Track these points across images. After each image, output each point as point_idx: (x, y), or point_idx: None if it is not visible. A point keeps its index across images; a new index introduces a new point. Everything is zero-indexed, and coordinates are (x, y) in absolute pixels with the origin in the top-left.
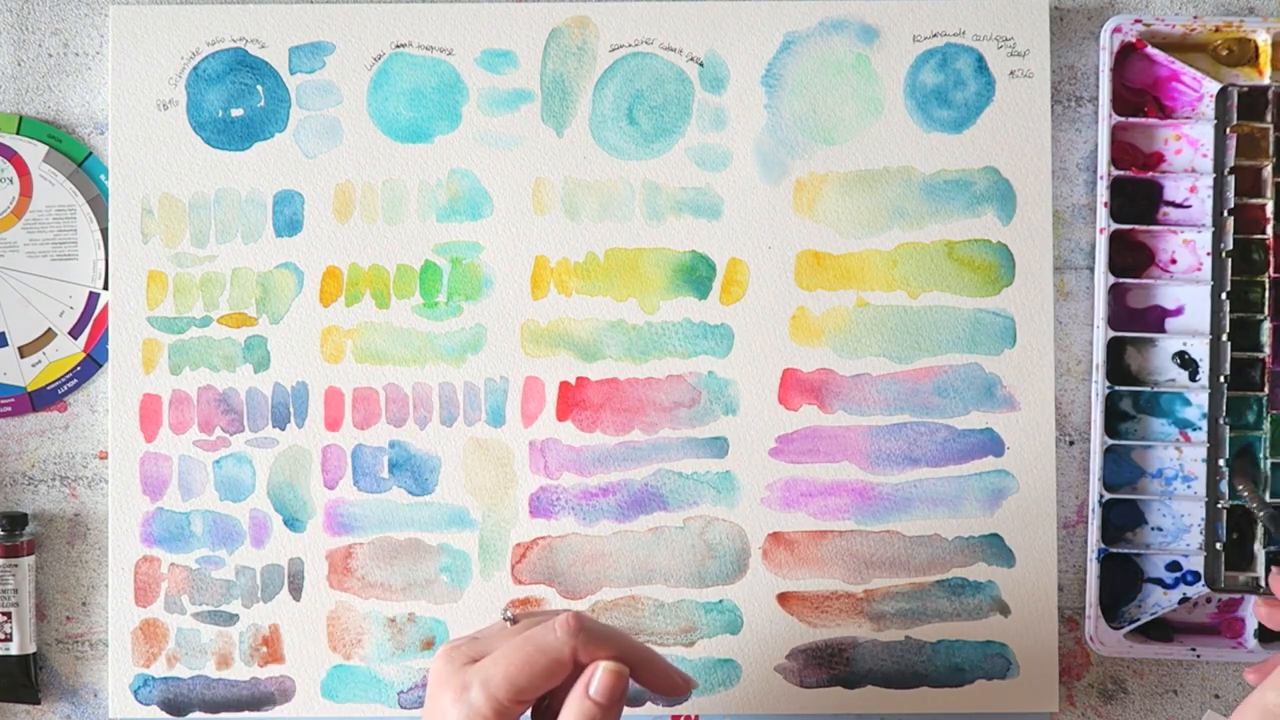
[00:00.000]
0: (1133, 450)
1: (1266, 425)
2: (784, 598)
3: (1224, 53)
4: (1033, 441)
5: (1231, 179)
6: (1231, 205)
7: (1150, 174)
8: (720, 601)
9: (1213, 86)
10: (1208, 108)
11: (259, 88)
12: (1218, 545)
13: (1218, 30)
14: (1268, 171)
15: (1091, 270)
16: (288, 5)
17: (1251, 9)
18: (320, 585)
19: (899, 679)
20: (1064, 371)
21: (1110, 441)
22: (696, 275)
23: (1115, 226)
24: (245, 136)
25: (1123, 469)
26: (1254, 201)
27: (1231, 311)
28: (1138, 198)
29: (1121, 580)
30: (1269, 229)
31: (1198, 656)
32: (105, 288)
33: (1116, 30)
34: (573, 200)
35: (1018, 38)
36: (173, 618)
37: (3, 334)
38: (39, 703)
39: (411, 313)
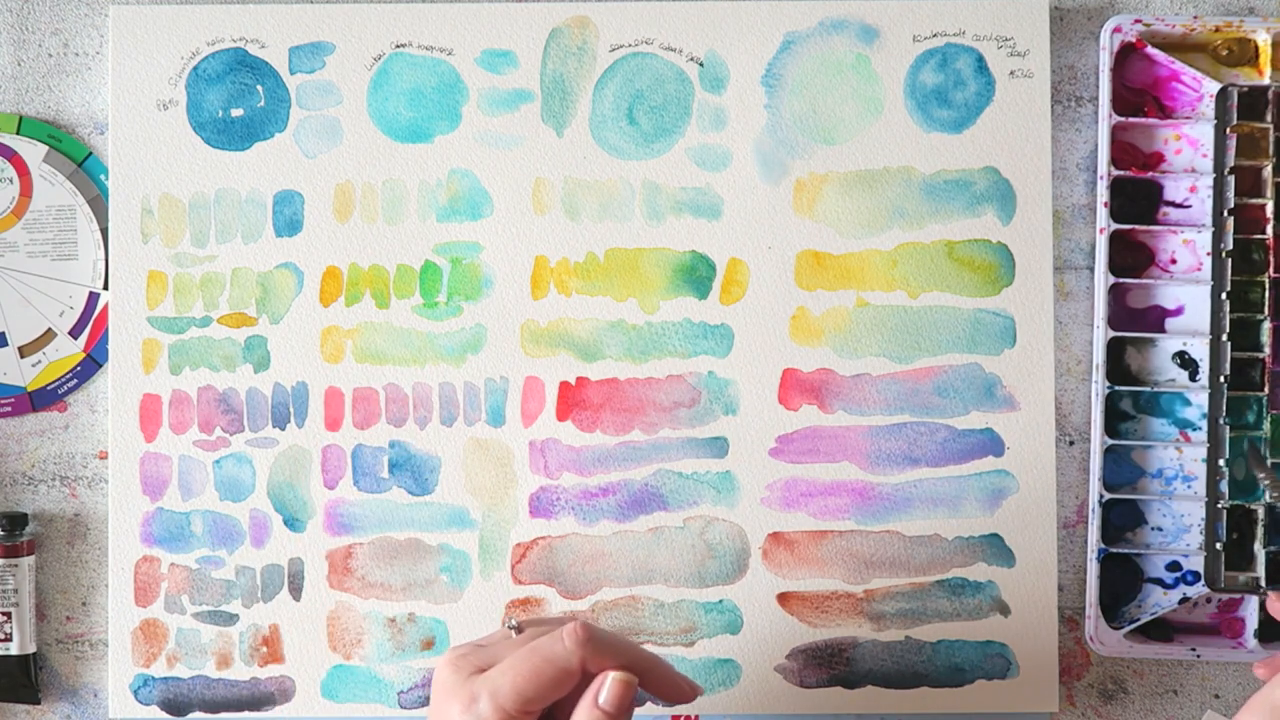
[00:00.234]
0: (1133, 450)
1: (1266, 425)
2: (784, 598)
3: (1224, 53)
4: (1033, 441)
5: (1231, 179)
6: (1231, 205)
7: (1150, 174)
8: (720, 601)
9: (1213, 86)
10: (1208, 108)
11: (259, 88)
12: (1218, 545)
13: (1218, 30)
14: (1268, 171)
15: (1091, 270)
16: (288, 5)
17: (1251, 9)
18: (320, 585)
19: (899, 679)
20: (1064, 371)
21: (1110, 441)
22: (696, 275)
23: (1115, 226)
24: (245, 136)
25: (1123, 469)
26: (1254, 201)
27: (1231, 311)
28: (1138, 198)
29: (1121, 580)
30: (1269, 229)
31: (1198, 656)
32: (105, 288)
33: (1116, 30)
34: (573, 200)
35: (1018, 38)
36: (173, 618)
37: (3, 334)
38: (39, 703)
39: (411, 313)
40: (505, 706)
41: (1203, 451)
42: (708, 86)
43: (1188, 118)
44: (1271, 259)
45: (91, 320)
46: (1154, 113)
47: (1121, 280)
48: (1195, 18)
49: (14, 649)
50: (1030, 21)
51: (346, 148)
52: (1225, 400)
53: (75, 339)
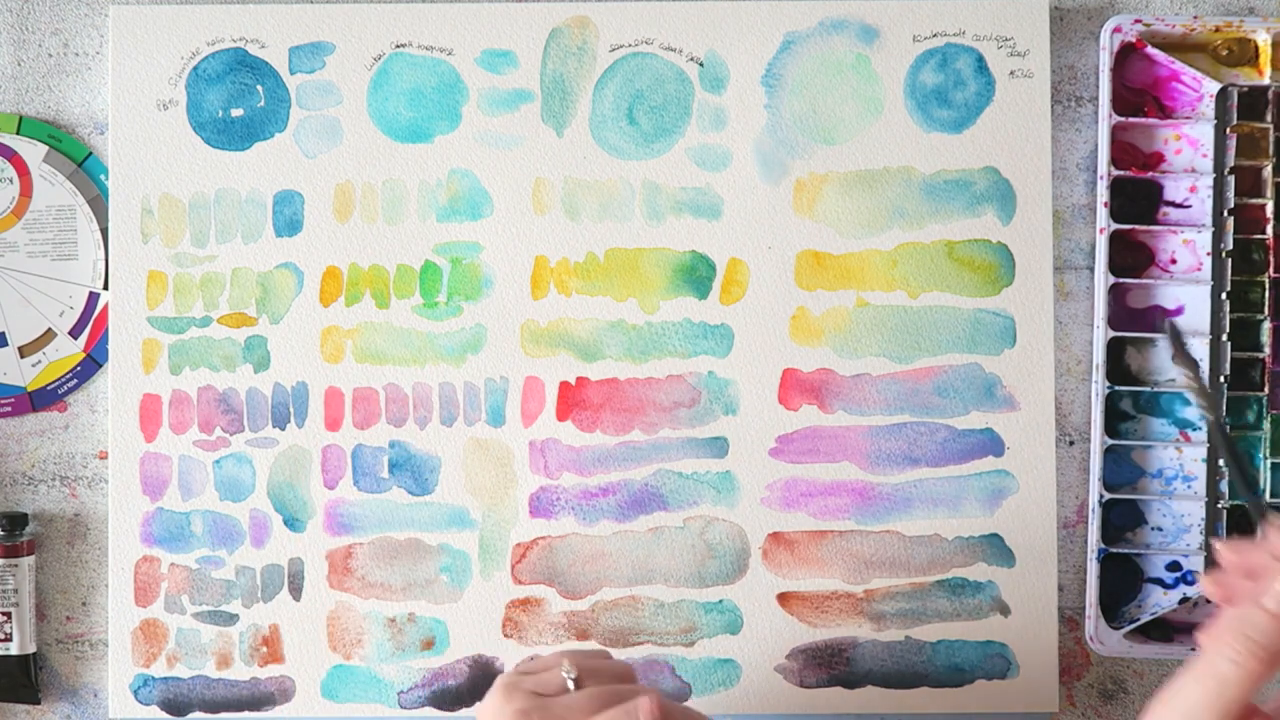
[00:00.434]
0: (1133, 450)
1: (1266, 425)
2: (784, 598)
3: (1224, 53)
4: (1033, 441)
5: (1231, 179)
6: (1231, 205)
7: (1150, 174)
8: (720, 601)
9: (1213, 86)
10: (1208, 108)
11: (259, 88)
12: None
13: (1218, 30)
14: (1268, 171)
15: (1091, 270)
16: (288, 5)
17: (1251, 9)
18: (320, 585)
19: (899, 679)
20: (1064, 371)
21: (1110, 441)
22: (696, 275)
23: (1115, 226)
24: (245, 136)
25: (1123, 469)
26: (1254, 201)
27: (1231, 311)
28: (1138, 198)
29: (1121, 580)
30: (1269, 229)
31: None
32: (105, 288)
33: (1116, 30)
34: (573, 200)
35: (1018, 38)
36: (173, 618)
37: (3, 334)
38: (39, 703)
39: (411, 313)
40: None
41: (1203, 451)
42: (708, 86)
43: (1188, 118)
44: (1271, 259)
45: (91, 320)
46: (1154, 113)
47: (1121, 280)
48: (1195, 18)
49: (14, 649)
50: (1030, 21)
51: (346, 148)
52: (1225, 400)
53: (75, 339)
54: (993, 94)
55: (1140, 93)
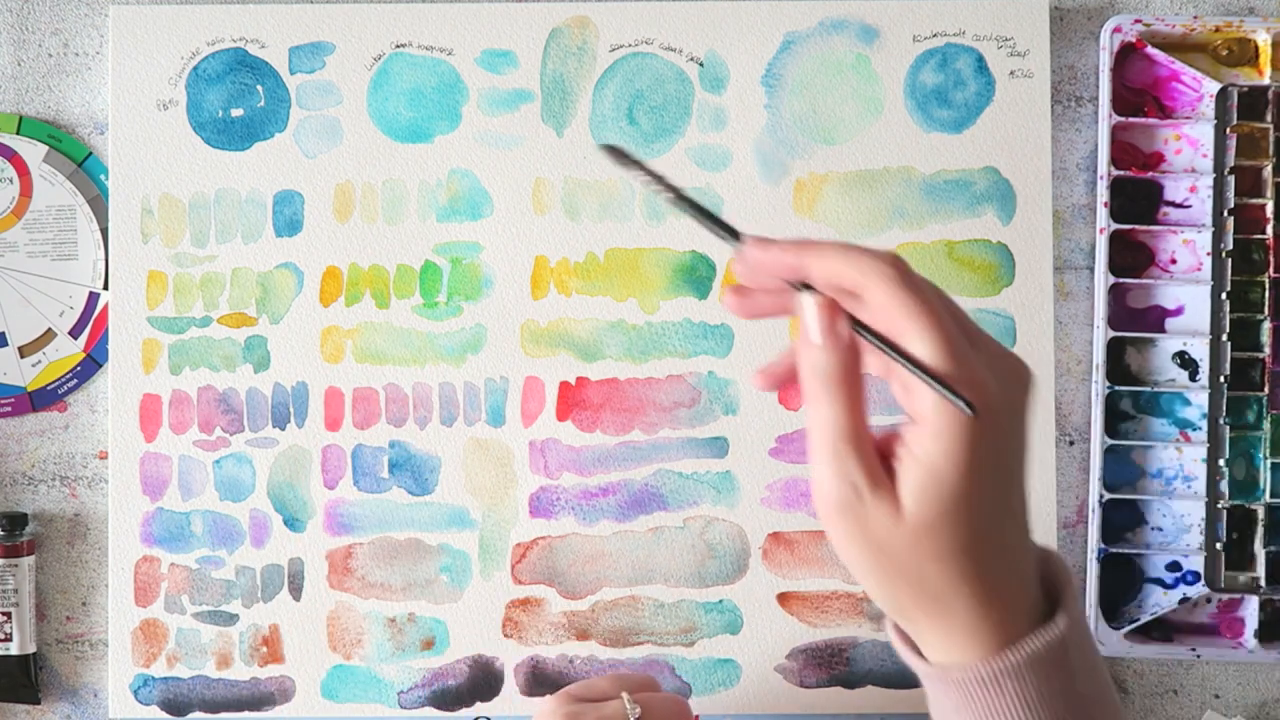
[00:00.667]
0: (1133, 450)
1: (1266, 425)
2: (784, 598)
3: (1224, 53)
4: (1033, 441)
5: (1231, 179)
6: (1231, 205)
7: (1150, 174)
8: (720, 601)
9: (1213, 86)
10: (1208, 108)
11: (259, 88)
12: (1218, 545)
13: (1218, 30)
14: (1268, 171)
15: (1091, 270)
16: (288, 5)
17: (1251, 9)
18: (320, 585)
19: (899, 679)
20: (1064, 371)
21: (1110, 441)
22: (696, 275)
23: (1115, 226)
24: (245, 136)
25: (1123, 469)
26: (1254, 201)
27: (1231, 311)
28: (1138, 198)
29: (1121, 580)
30: (1269, 229)
31: (1198, 656)
32: (105, 288)
33: (1116, 30)
34: (573, 200)
35: (1018, 38)
36: (173, 618)
37: (3, 334)
38: (39, 703)
39: (411, 313)
40: None
41: (1203, 451)
42: (708, 86)
43: (1188, 118)
44: (1271, 259)
45: (91, 320)
46: (1154, 113)
47: (1121, 280)
48: (1195, 18)
49: (14, 649)
50: (1030, 21)
51: (346, 148)
52: (1225, 400)
53: (75, 339)
54: (993, 94)
55: (1140, 93)
